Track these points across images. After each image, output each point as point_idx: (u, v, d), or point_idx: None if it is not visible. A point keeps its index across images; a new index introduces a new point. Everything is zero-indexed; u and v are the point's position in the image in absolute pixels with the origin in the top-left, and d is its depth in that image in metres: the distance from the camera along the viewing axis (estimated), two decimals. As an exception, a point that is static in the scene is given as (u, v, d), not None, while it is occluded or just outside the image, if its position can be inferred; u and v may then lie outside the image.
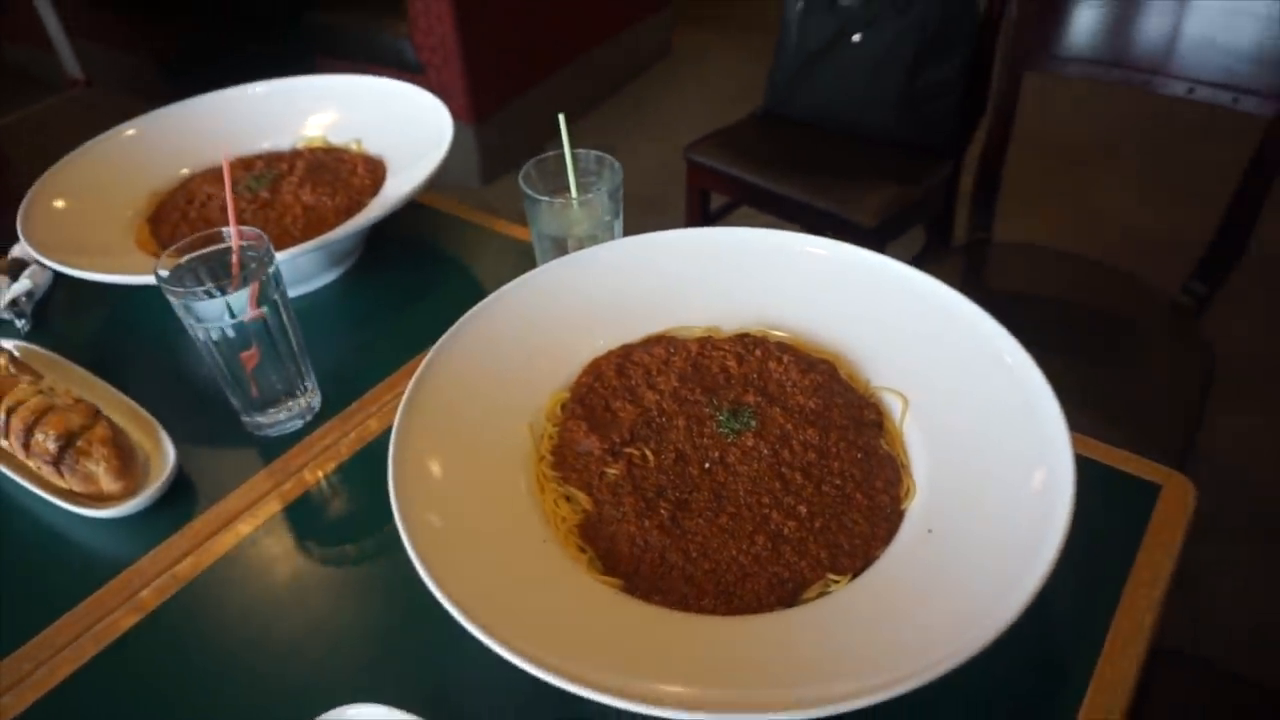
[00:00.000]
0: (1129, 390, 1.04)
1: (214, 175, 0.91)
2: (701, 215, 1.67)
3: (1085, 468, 0.49)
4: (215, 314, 0.64)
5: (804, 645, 0.45)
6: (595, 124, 2.82)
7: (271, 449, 0.70)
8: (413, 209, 0.88)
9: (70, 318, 0.87)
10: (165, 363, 0.80)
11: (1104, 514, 0.57)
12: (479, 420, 0.57)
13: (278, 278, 0.65)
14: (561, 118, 0.71)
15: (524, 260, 0.86)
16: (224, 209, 0.85)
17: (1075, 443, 0.49)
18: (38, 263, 0.87)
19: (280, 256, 0.68)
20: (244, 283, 0.64)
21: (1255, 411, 1.72)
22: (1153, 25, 1.14)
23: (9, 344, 0.77)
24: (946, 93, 1.47)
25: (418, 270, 0.89)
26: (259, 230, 0.65)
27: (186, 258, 0.65)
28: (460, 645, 0.45)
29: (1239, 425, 1.68)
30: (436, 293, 0.87)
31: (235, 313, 0.64)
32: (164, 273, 0.63)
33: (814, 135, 1.59)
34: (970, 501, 0.50)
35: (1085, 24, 1.19)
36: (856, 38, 1.49)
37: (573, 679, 0.40)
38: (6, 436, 0.67)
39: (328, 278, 0.86)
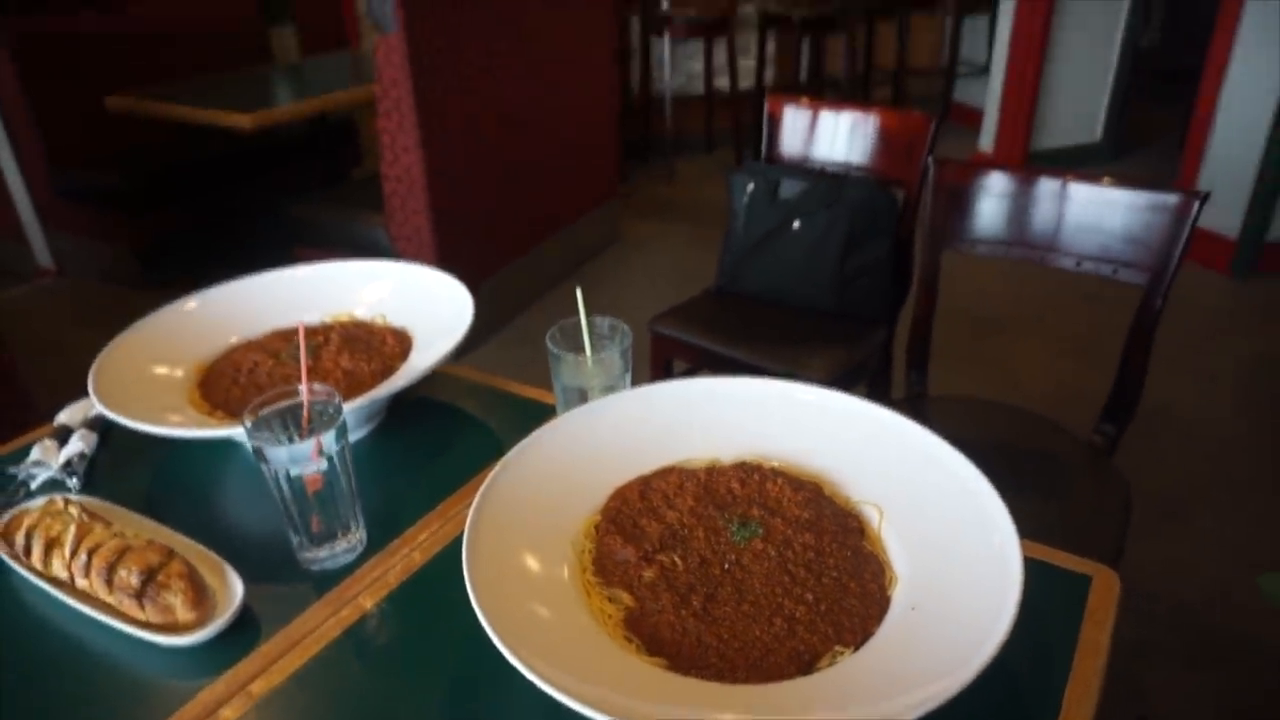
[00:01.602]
0: (1058, 518, 1.18)
1: (257, 345, 1.03)
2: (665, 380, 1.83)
3: (1029, 565, 0.61)
4: (288, 459, 0.74)
5: (820, 704, 0.55)
6: (554, 301, 3.03)
7: (326, 581, 0.78)
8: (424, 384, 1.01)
9: (116, 474, 0.95)
10: (216, 508, 0.88)
11: (1048, 599, 0.69)
12: (529, 541, 0.68)
13: (343, 428, 0.77)
14: (579, 291, 0.85)
15: (526, 413, 0.99)
16: (269, 376, 0.97)
17: (1021, 543, 0.62)
18: (103, 422, 0.96)
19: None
20: (313, 432, 0.75)
21: (1169, 538, 1.88)
22: (1040, 213, 1.38)
23: (76, 498, 0.85)
24: (876, 270, 1.69)
25: (435, 426, 1.01)
26: (330, 387, 0.76)
27: (265, 411, 0.76)
28: None
29: (1156, 553, 1.84)
30: (454, 445, 0.98)
31: (304, 457, 0.74)
32: (249, 424, 0.74)
33: (763, 308, 1.79)
34: (942, 587, 0.62)
35: (987, 213, 1.42)
36: (796, 225, 1.72)
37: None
38: (87, 575, 0.75)
39: (357, 435, 0.97)
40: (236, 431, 0.82)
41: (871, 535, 0.70)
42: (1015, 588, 0.57)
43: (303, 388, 0.77)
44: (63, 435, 1.00)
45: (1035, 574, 0.61)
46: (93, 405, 1.05)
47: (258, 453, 0.74)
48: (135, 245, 3.16)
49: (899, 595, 0.63)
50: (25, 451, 0.98)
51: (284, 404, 0.76)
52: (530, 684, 0.56)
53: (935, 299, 1.51)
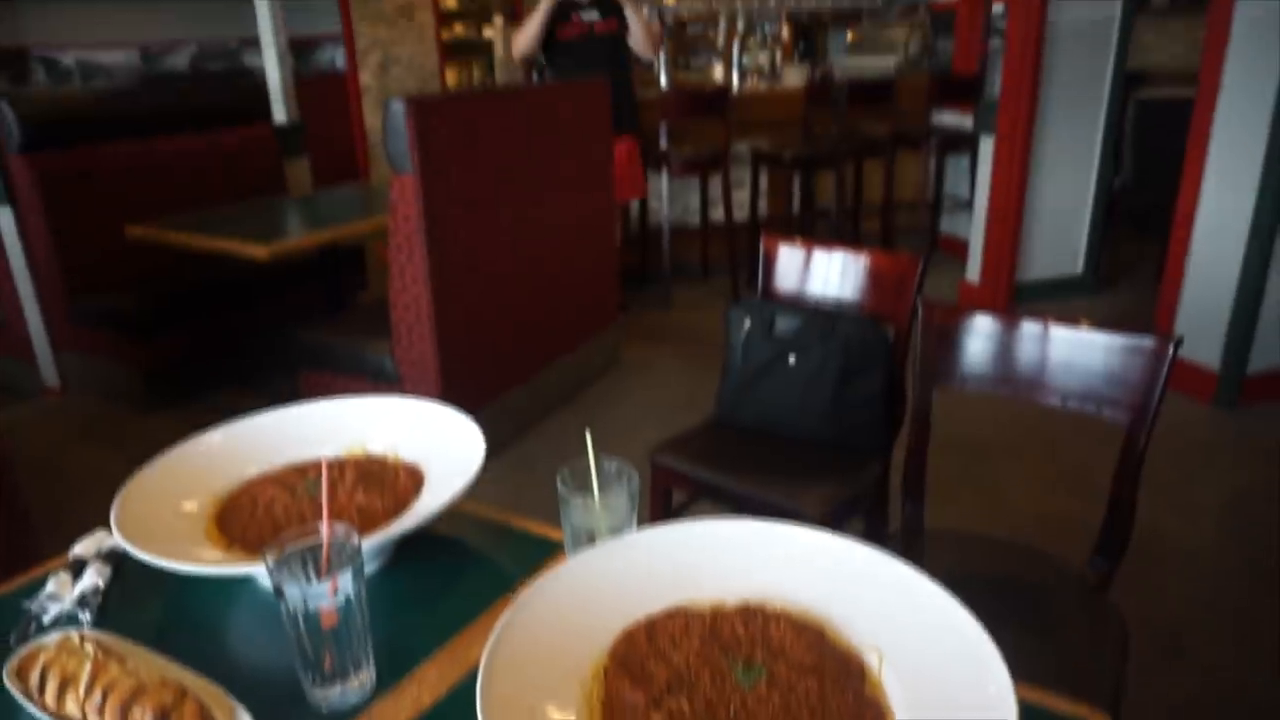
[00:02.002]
0: (1053, 658, 1.19)
1: (274, 480, 1.06)
2: (665, 509, 1.85)
3: (1024, 710, 0.63)
4: (306, 597, 0.76)
5: None
6: (555, 427, 3.07)
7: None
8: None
9: (129, 607, 0.97)
10: (228, 644, 0.90)
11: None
12: (541, 685, 0.70)
13: (360, 567, 0.79)
14: (588, 434, 0.90)
15: (532, 549, 1.02)
16: (286, 511, 1.00)
17: (1017, 688, 0.64)
18: (117, 555, 0.98)
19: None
20: (331, 571, 0.78)
21: (1171, 674, 1.87)
22: (1025, 354, 1.44)
23: (90, 634, 0.86)
24: (871, 403, 1.75)
25: (443, 561, 1.03)
26: (349, 527, 0.80)
27: (288, 549, 0.78)
28: None
29: (1159, 692, 1.82)
30: (461, 582, 1.00)
31: (322, 596, 0.77)
32: (271, 562, 0.77)
33: (761, 439, 1.83)
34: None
35: (974, 352, 1.49)
36: (792, 359, 1.78)
37: None
38: (101, 715, 0.76)
39: (367, 570, 0.99)
40: (256, 569, 0.85)
41: (872, 680, 0.72)
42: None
43: (323, 527, 0.80)
44: (77, 567, 1.02)
45: (1030, 715, 0.63)
46: (107, 537, 1.08)
47: (277, 590, 0.76)
48: (142, 367, 3.23)
49: (901, 741, 0.65)
50: (39, 583, 1.00)
51: (304, 542, 0.79)
52: None
53: (928, 433, 1.55)
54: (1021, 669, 0.65)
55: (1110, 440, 1.39)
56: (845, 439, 1.78)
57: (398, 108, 2.31)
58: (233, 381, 3.43)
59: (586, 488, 0.89)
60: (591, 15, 3.73)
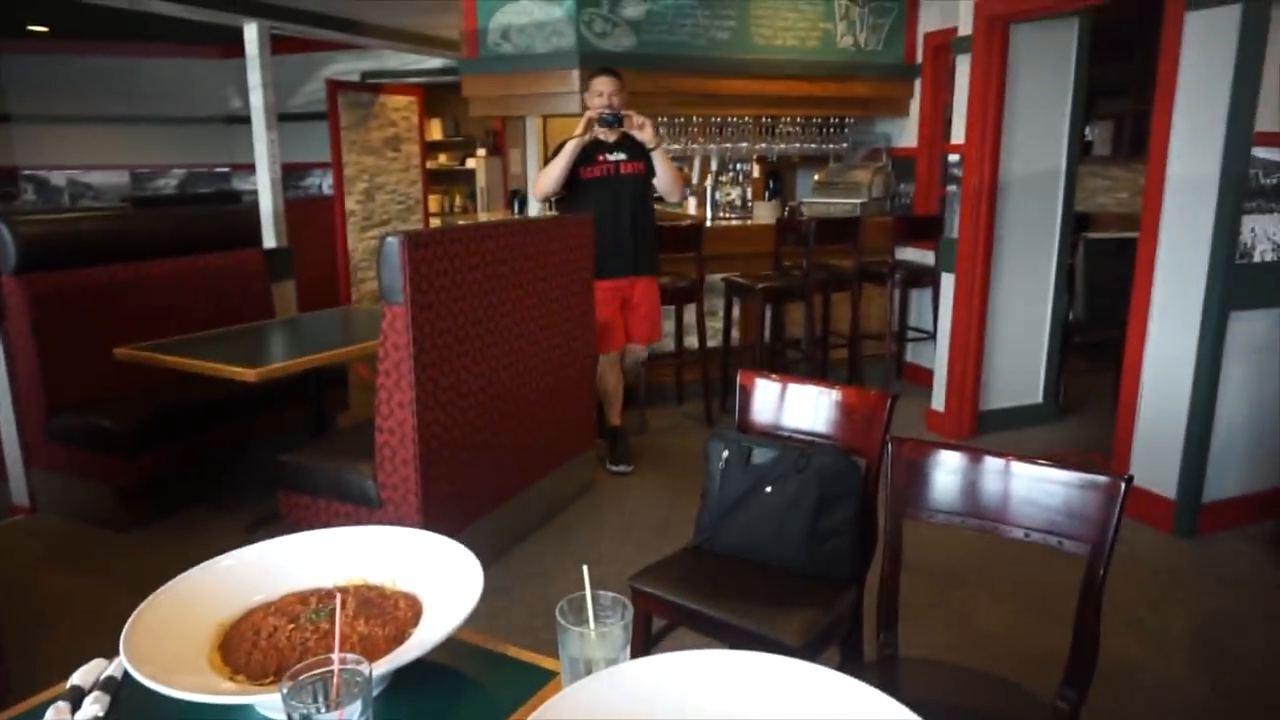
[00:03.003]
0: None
1: (276, 609, 1.10)
2: (644, 635, 1.87)
3: None
4: (318, 727, 0.80)
5: None
6: (531, 549, 3.08)
7: None
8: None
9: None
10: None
11: None
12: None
13: (369, 697, 0.83)
14: (585, 569, 0.96)
15: (524, 678, 1.05)
16: (289, 640, 1.03)
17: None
18: (115, 684, 1.01)
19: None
20: (342, 701, 0.82)
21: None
22: (988, 488, 1.53)
23: (96, 764, 0.88)
24: (845, 532, 1.82)
25: (437, 690, 1.06)
26: (360, 657, 0.84)
27: (301, 679, 0.82)
28: None
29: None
30: (457, 709, 1.03)
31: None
32: (285, 691, 0.81)
33: (739, 567, 1.88)
34: None
35: (941, 486, 1.57)
36: (768, 489, 1.85)
37: None
38: (109, 847, 0.78)
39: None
40: (266, 699, 0.88)
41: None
42: None
43: (335, 657, 0.84)
44: (76, 697, 1.04)
45: None
46: (105, 666, 1.10)
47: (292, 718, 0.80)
48: (118, 485, 3.21)
49: None
50: (38, 713, 1.01)
51: (316, 672, 0.83)
52: None
53: (900, 562, 1.62)
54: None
55: (1076, 567, 1.46)
56: (821, 567, 1.83)
57: (393, 243, 2.43)
58: (210, 501, 3.42)
59: (583, 620, 0.94)
60: (618, 155, 3.75)
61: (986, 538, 2.85)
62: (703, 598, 1.77)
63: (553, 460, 3.35)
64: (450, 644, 1.15)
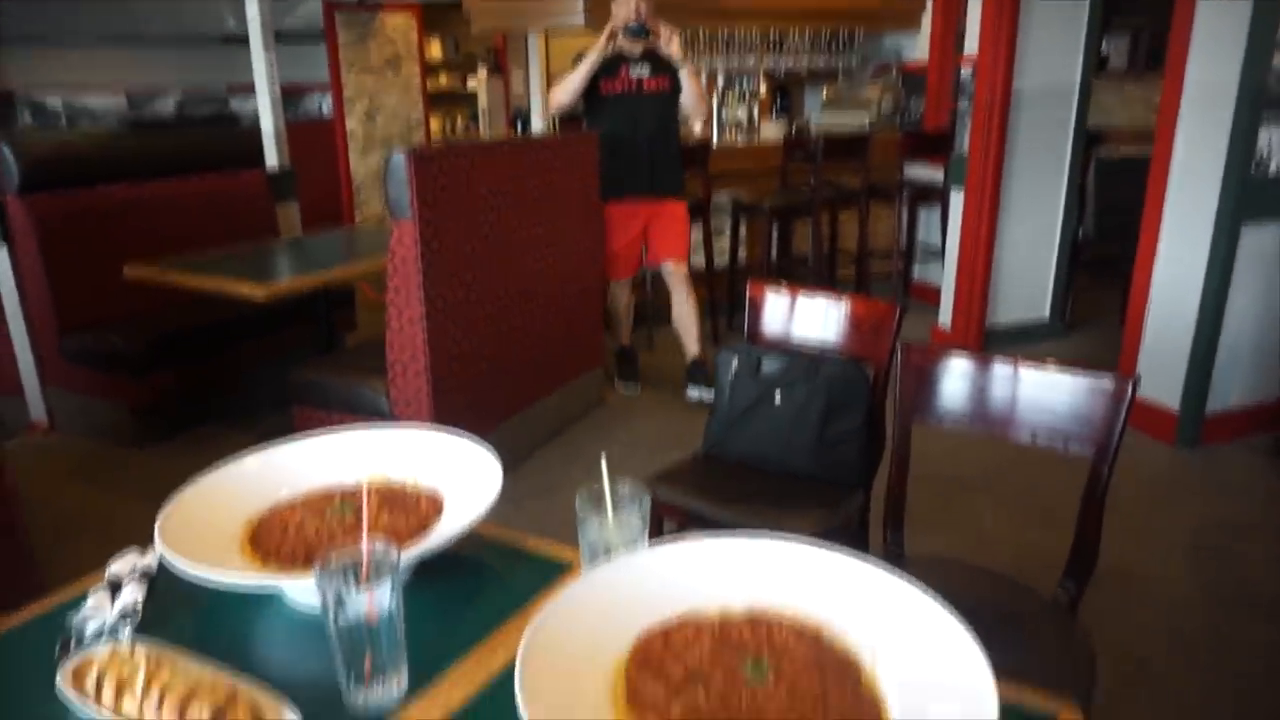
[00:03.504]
0: (1025, 672, 1.27)
1: (301, 504, 1.13)
2: (655, 537, 1.92)
3: (1002, 705, 0.71)
4: (351, 605, 0.84)
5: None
6: (539, 464, 3.14)
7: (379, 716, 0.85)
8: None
9: (164, 623, 1.02)
10: (262, 655, 0.96)
11: (1023, 734, 0.80)
12: (570, 679, 0.77)
13: (398, 577, 0.87)
14: (603, 457, 0.98)
15: (543, 568, 1.09)
16: (316, 532, 1.07)
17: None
18: (151, 574, 1.05)
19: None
20: (371, 582, 0.85)
21: (1134, 701, 1.95)
22: (996, 393, 1.55)
23: (141, 644, 0.92)
24: (852, 438, 1.85)
25: (461, 580, 1.10)
26: (388, 540, 0.87)
27: (333, 561, 0.86)
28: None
29: (1123, 713, 1.91)
30: (480, 598, 1.07)
31: (364, 604, 0.84)
32: (319, 572, 0.84)
33: (748, 473, 1.92)
34: (929, 713, 0.73)
35: (950, 392, 1.59)
36: (777, 398, 1.88)
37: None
38: (159, 713, 0.82)
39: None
40: (298, 581, 0.92)
41: (868, 676, 0.80)
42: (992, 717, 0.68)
43: (364, 540, 0.87)
44: (114, 585, 1.08)
45: (1007, 713, 0.71)
46: (140, 558, 1.14)
47: (325, 597, 0.84)
48: (132, 404, 3.26)
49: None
50: (76, 602, 1.05)
51: (347, 556, 0.87)
52: None
53: (908, 467, 1.65)
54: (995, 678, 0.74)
55: (1079, 476, 1.49)
56: (828, 473, 1.87)
57: (399, 158, 2.41)
58: (222, 419, 3.47)
59: (602, 507, 0.97)
60: (642, 70, 3.51)
61: (991, 449, 2.89)
62: (712, 500, 1.81)
63: (561, 377, 3.38)
64: (471, 538, 1.19)
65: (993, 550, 2.57)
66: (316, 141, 6.36)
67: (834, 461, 1.86)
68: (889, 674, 0.79)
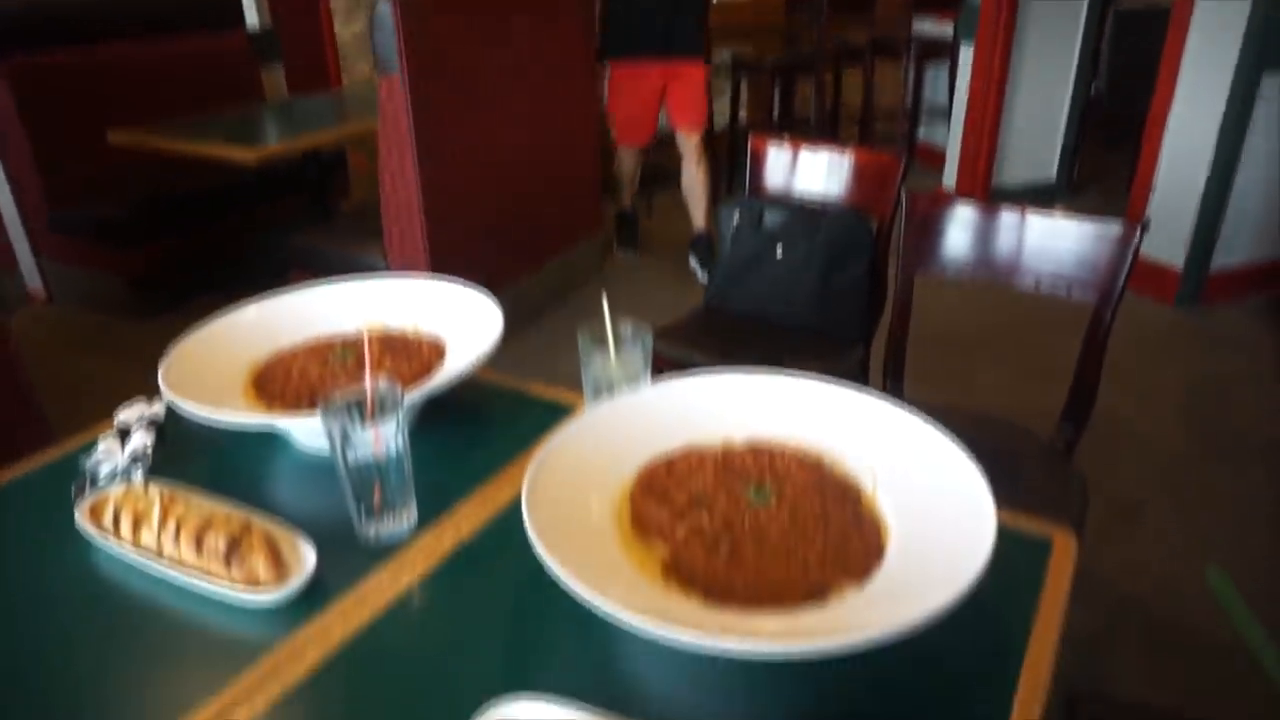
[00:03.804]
0: (1022, 505, 1.31)
1: (304, 351, 1.13)
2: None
3: (999, 529, 0.71)
4: (358, 440, 0.84)
5: (827, 623, 0.67)
6: (541, 328, 3.14)
7: (385, 552, 0.88)
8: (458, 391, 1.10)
9: (174, 468, 1.04)
10: (273, 495, 0.98)
11: (1014, 557, 0.82)
12: (576, 505, 0.79)
13: (401, 416, 0.87)
14: (604, 296, 0.97)
15: (548, 412, 1.10)
16: (320, 377, 1.07)
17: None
18: (159, 422, 1.06)
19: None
20: (377, 417, 0.86)
21: (1122, 539, 2.03)
22: (1002, 241, 1.53)
23: (154, 484, 0.94)
24: (854, 292, 1.84)
25: (467, 424, 1.11)
26: (392, 379, 0.87)
27: (336, 400, 0.86)
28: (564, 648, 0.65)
29: (1111, 552, 1.98)
30: (487, 440, 1.09)
31: (370, 439, 0.85)
32: (325, 408, 0.84)
33: (749, 326, 1.92)
34: (929, 536, 0.74)
35: (954, 240, 1.57)
36: (779, 251, 1.86)
37: (689, 631, 0.61)
38: (176, 544, 0.84)
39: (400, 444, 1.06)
40: (303, 421, 0.93)
41: (868, 499, 0.81)
42: (990, 535, 0.69)
43: (367, 379, 0.87)
44: (123, 432, 1.10)
45: (1003, 537, 0.72)
46: (147, 406, 1.15)
47: (331, 435, 0.84)
48: (128, 275, 3.23)
49: (893, 544, 0.75)
50: (87, 448, 1.07)
51: (352, 393, 0.87)
52: (572, 623, 0.66)
53: (909, 318, 1.65)
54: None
55: (1078, 332, 1.48)
56: (829, 326, 1.87)
57: (385, 8, 2.30)
58: (221, 289, 3.44)
59: (605, 345, 0.97)
60: None
61: (990, 311, 2.88)
62: (712, 353, 1.82)
63: (560, 243, 3.34)
64: (476, 385, 1.19)
65: (991, 402, 2.59)
66: (297, 4, 6.06)
67: (835, 315, 1.86)
68: (889, 497, 0.81)
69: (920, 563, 0.71)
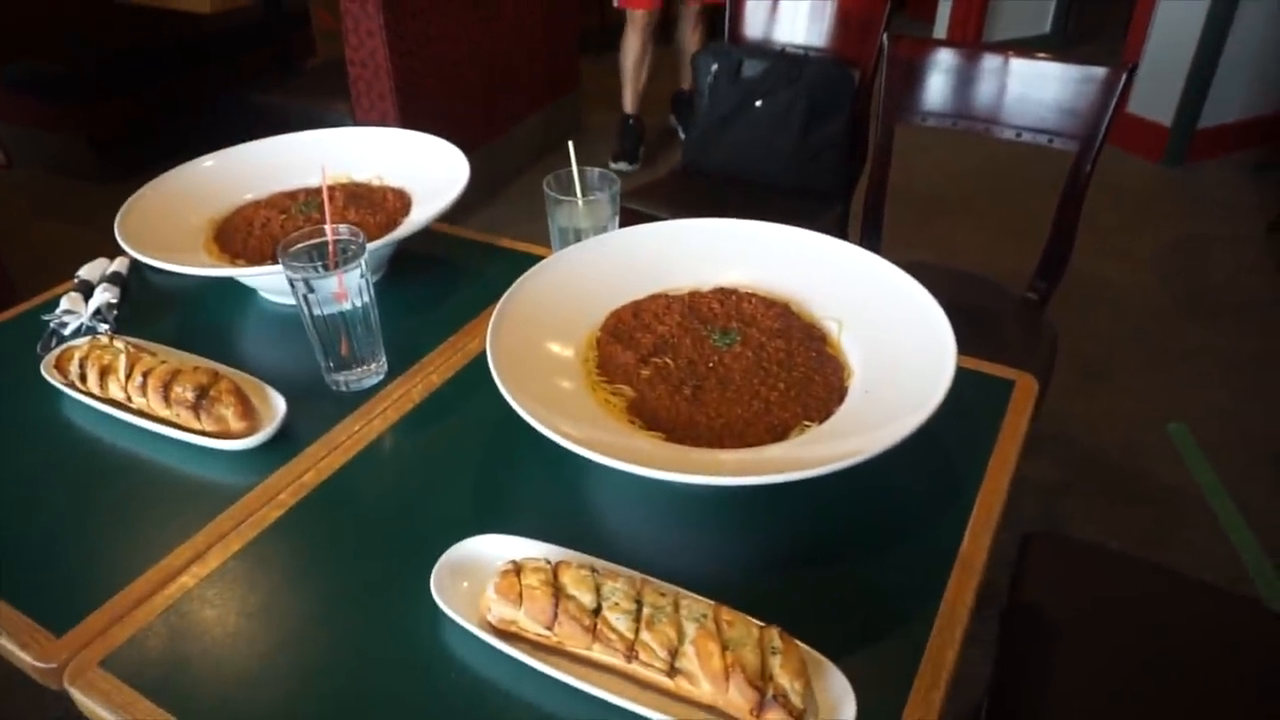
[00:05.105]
0: (994, 354, 1.33)
1: (265, 204, 1.10)
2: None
3: (961, 372, 0.70)
4: (320, 288, 0.83)
5: (787, 455, 0.68)
6: (518, 190, 3.08)
7: (356, 400, 0.88)
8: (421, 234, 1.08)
9: (139, 323, 1.03)
10: (240, 348, 0.98)
11: (977, 398, 0.83)
12: (542, 348, 0.79)
13: (365, 263, 0.86)
14: (570, 145, 0.95)
15: (519, 263, 1.08)
16: (282, 228, 1.05)
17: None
18: (121, 278, 1.04)
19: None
20: (340, 265, 0.84)
21: (1091, 395, 2.08)
22: (984, 87, 1.48)
23: (118, 337, 0.93)
24: (834, 146, 1.79)
25: (437, 276, 1.10)
26: (354, 226, 0.85)
27: (297, 247, 0.84)
28: (533, 488, 0.66)
29: (1078, 407, 2.03)
30: (456, 291, 1.08)
31: (333, 287, 0.84)
32: (285, 256, 0.83)
33: (727, 184, 1.89)
34: (890, 374, 0.75)
35: (936, 87, 1.52)
36: (758, 104, 1.80)
37: (652, 466, 0.62)
38: (144, 395, 0.84)
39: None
40: (268, 270, 0.91)
41: (833, 342, 0.82)
42: (949, 369, 0.69)
43: (328, 227, 0.85)
44: (86, 289, 1.08)
45: (966, 379, 0.72)
46: (109, 264, 1.13)
47: (293, 283, 0.83)
48: (90, 135, 3.11)
49: (855, 384, 0.76)
50: (50, 306, 1.05)
51: (313, 241, 0.85)
52: (541, 467, 0.68)
53: (888, 170, 1.62)
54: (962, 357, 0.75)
55: (1056, 195, 1.46)
56: (809, 182, 1.84)
57: None
58: (186, 152, 3.33)
59: (571, 190, 0.94)
60: None
61: (973, 172, 2.84)
62: (688, 213, 1.79)
63: (536, 101, 3.22)
64: (445, 239, 1.18)
65: (967, 262, 2.60)
66: None
67: (815, 170, 1.83)
68: (854, 339, 0.81)
69: (881, 404, 0.72)
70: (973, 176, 3.11)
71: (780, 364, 0.78)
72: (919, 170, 3.05)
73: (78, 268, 1.10)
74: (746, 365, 0.78)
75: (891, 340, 0.78)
